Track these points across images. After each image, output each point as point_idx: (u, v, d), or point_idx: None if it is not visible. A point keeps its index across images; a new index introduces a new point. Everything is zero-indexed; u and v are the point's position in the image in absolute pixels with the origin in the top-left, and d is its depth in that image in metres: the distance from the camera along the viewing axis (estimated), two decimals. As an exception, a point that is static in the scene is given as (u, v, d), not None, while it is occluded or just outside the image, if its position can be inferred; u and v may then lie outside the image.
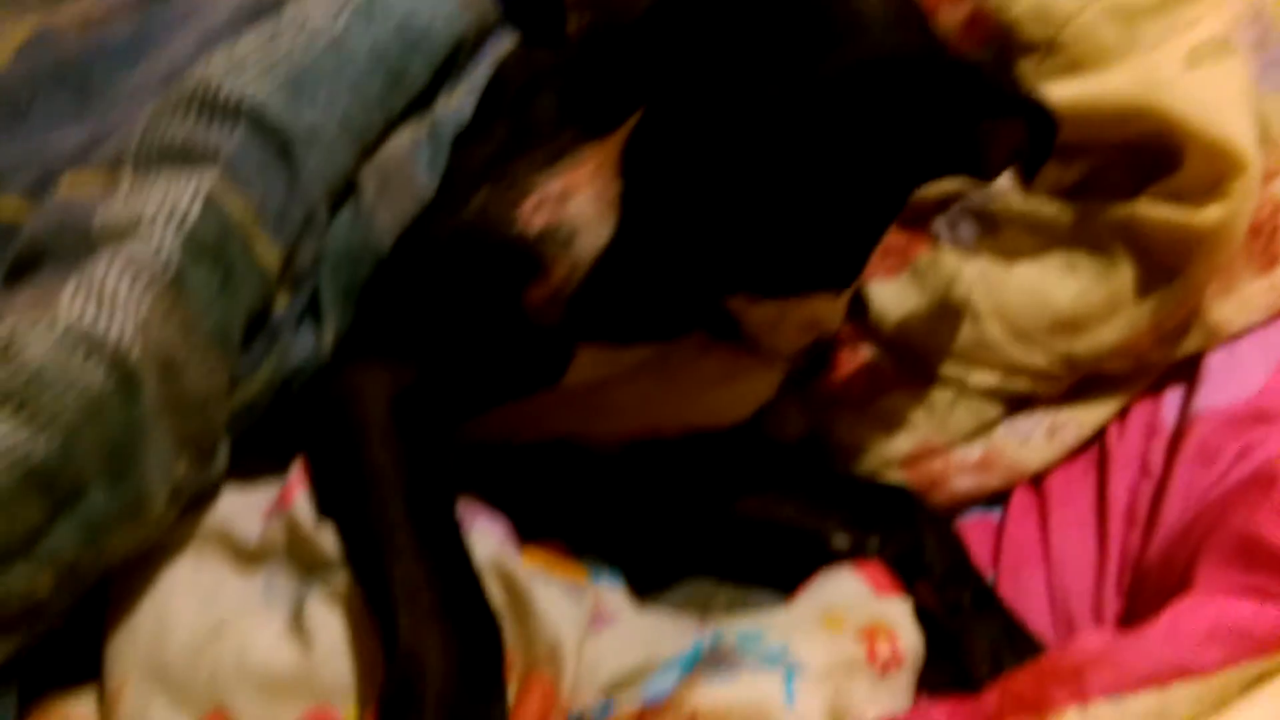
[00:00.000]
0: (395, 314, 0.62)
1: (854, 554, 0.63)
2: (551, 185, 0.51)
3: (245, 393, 0.59)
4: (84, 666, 0.61)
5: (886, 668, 0.56)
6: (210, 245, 0.55)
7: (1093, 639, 0.46)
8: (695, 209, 0.51)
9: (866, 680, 0.55)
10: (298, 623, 0.56)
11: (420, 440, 0.59)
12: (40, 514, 0.49)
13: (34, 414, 0.48)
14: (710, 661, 0.52)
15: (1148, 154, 0.64)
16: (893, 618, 0.59)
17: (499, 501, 0.63)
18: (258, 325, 0.59)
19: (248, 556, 0.59)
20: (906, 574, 0.62)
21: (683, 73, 0.50)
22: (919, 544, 0.62)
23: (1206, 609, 0.46)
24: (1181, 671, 0.44)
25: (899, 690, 0.57)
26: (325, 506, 0.58)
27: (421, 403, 0.60)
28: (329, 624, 0.56)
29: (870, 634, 0.57)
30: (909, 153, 0.54)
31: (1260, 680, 0.45)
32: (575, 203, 0.51)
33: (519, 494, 0.65)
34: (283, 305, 0.61)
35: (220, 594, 0.58)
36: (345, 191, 0.64)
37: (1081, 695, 0.44)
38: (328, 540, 0.57)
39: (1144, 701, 0.43)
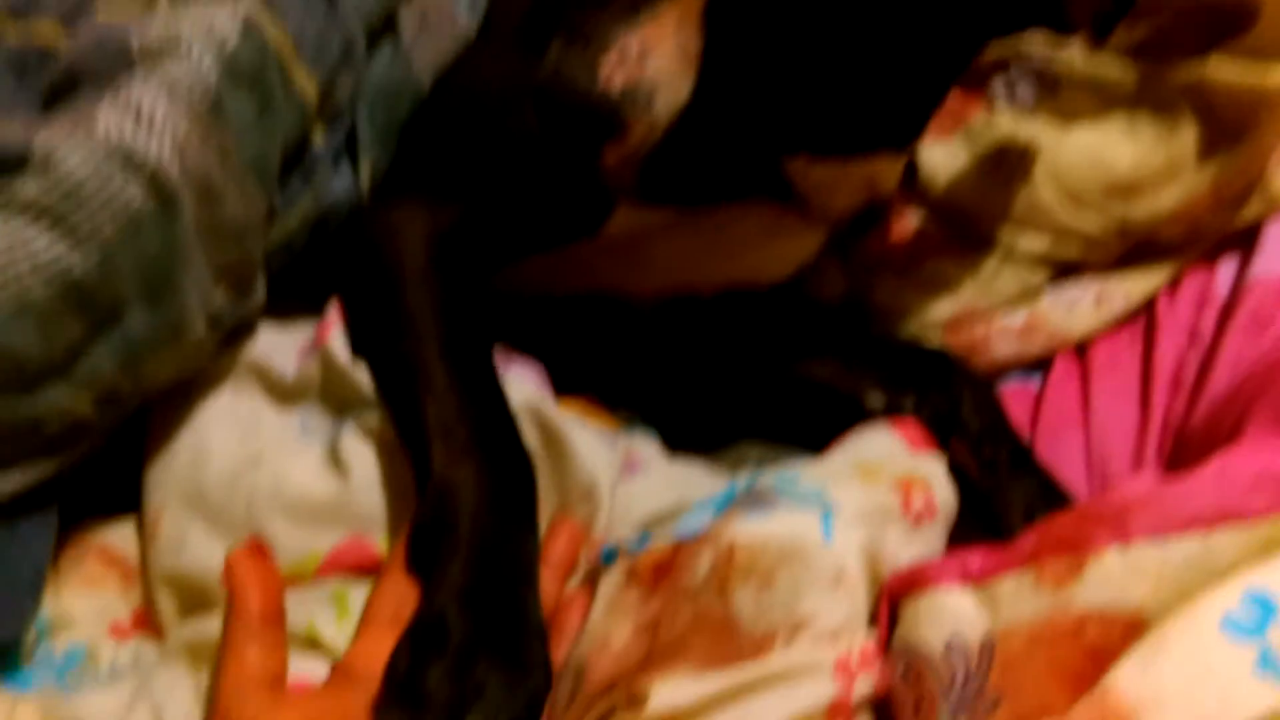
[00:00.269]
0: (437, 155, 0.61)
1: (889, 413, 0.63)
2: (631, 41, 0.49)
3: (282, 228, 0.59)
4: (123, 501, 0.62)
5: (920, 519, 0.56)
6: (249, 71, 0.54)
7: (1137, 483, 0.46)
8: (775, 61, 0.50)
9: (900, 529, 0.55)
10: (333, 456, 0.57)
11: (457, 282, 0.58)
12: (79, 332, 0.49)
13: (73, 228, 0.48)
14: (746, 501, 0.52)
15: (1221, 11, 0.61)
16: (927, 472, 0.59)
17: (534, 354, 0.63)
18: (295, 159, 0.59)
19: (284, 392, 0.60)
20: (942, 433, 0.61)
21: None
22: (956, 403, 0.62)
23: (1254, 458, 0.45)
24: (1227, 516, 0.43)
25: (932, 541, 0.56)
26: (359, 345, 0.58)
27: (460, 245, 0.60)
28: (363, 458, 0.56)
29: (905, 485, 0.56)
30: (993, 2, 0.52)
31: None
32: (655, 59, 0.48)
33: (554, 347, 0.65)
34: (320, 140, 0.60)
35: (258, 426, 0.59)
36: (384, 29, 0.63)
37: (1123, 535, 0.43)
38: (362, 378, 0.57)
39: (1187, 544, 0.43)
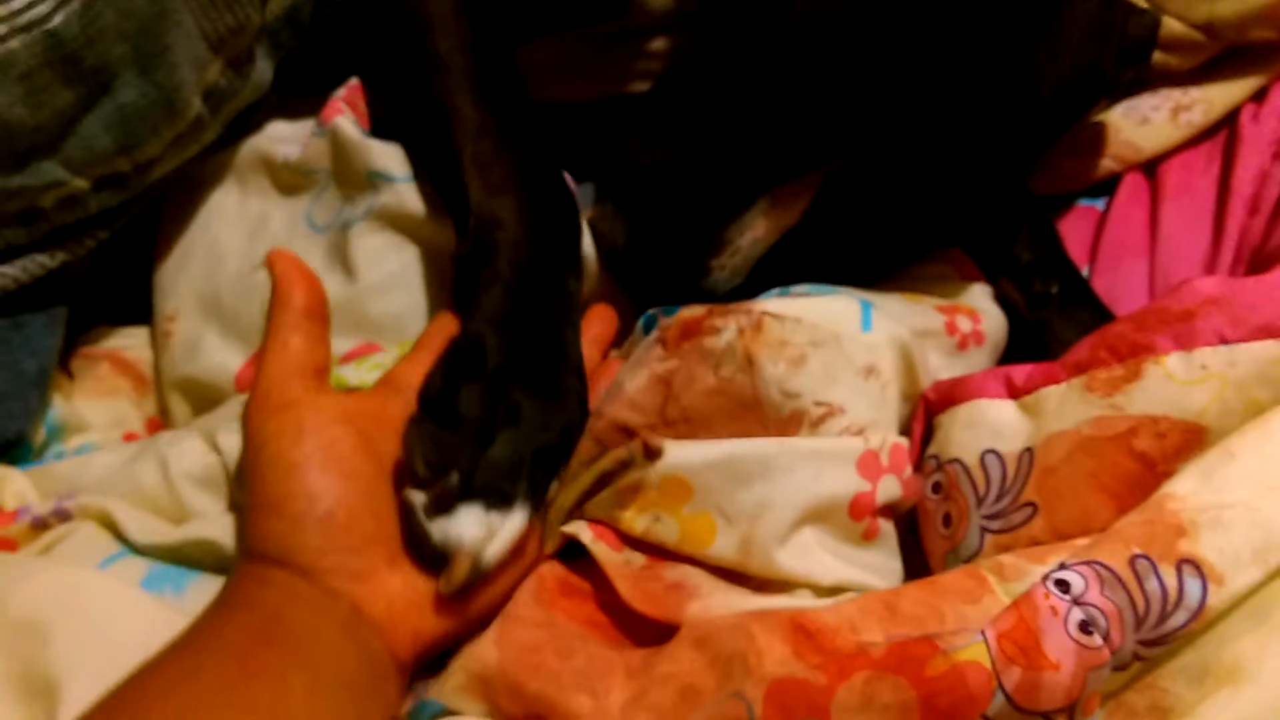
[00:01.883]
0: None
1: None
2: None
3: None
4: (136, 311, 0.61)
5: (965, 343, 0.52)
6: None
7: (1206, 283, 0.41)
8: None
9: (943, 349, 0.51)
10: (342, 254, 0.54)
11: (486, 29, 0.54)
12: (69, 99, 0.46)
13: (51, -16, 0.44)
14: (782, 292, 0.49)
15: None
16: (974, 300, 0.55)
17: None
18: None
19: (291, 178, 0.57)
20: (995, 265, 0.57)
21: None
22: (1009, 235, 0.57)
23: (1345, 260, 0.40)
24: (1307, 322, 0.39)
25: (978, 366, 0.53)
26: (386, 99, 0.56)
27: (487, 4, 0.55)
28: (373, 258, 0.53)
29: (951, 310, 0.53)
30: None
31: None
32: None
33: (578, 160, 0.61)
34: None
35: (267, 223, 0.56)
36: None
37: (1188, 340, 0.39)
38: (376, 150, 0.54)
39: (1259, 350, 0.39)
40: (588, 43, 0.59)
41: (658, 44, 0.58)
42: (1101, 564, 0.34)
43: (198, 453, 0.48)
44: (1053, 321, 0.55)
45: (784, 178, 0.49)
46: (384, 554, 0.40)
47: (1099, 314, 0.54)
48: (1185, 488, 0.36)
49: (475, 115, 0.50)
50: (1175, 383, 0.39)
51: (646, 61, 0.59)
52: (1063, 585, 0.34)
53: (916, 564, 0.45)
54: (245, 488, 0.41)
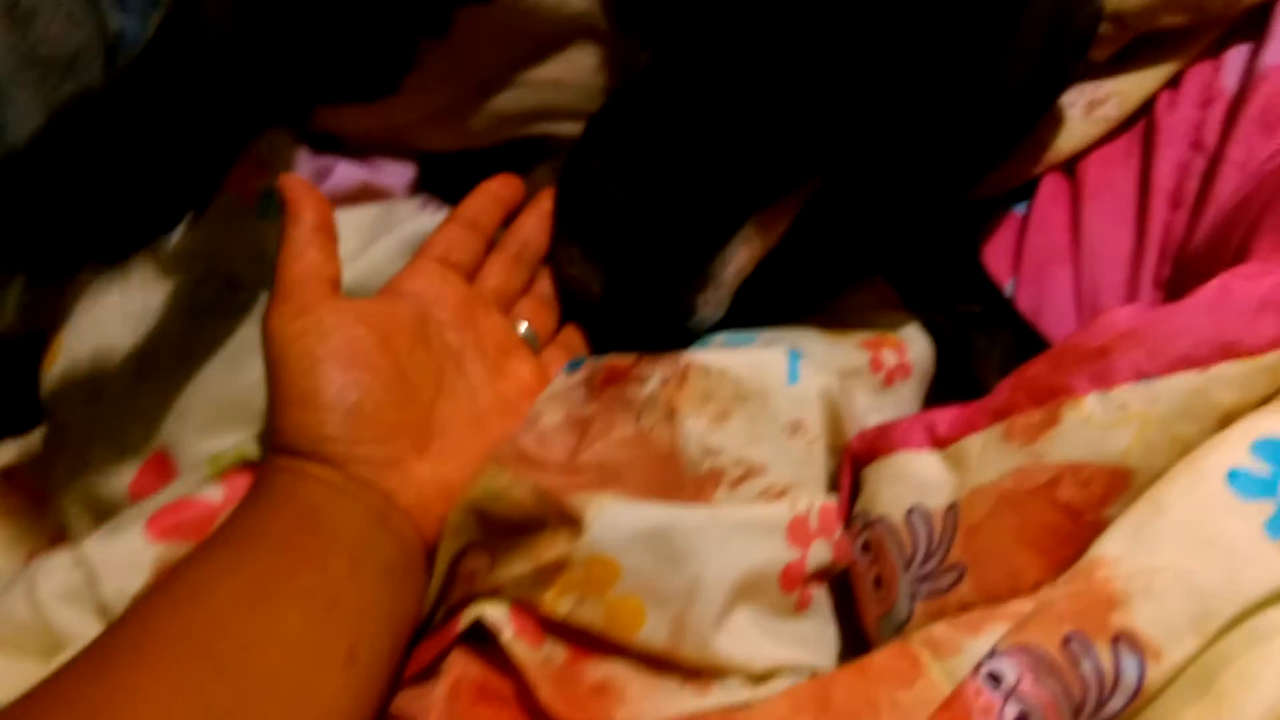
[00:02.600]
0: None
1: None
2: None
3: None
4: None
5: (892, 378, 0.51)
6: None
7: (1120, 315, 0.39)
8: None
9: (869, 387, 0.49)
10: (231, 340, 0.51)
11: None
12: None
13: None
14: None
15: None
16: (898, 329, 0.53)
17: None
18: None
19: (175, 265, 0.54)
20: (915, 286, 0.55)
21: None
22: (927, 257, 0.55)
23: (1262, 278, 0.38)
24: (1227, 349, 0.37)
25: (905, 400, 0.51)
26: None
27: None
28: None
29: (874, 344, 0.51)
30: None
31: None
32: None
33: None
34: None
35: (150, 316, 0.53)
36: None
37: (1105, 379, 0.37)
38: (263, 230, 0.51)
39: (1179, 383, 0.37)
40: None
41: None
42: (1034, 649, 0.32)
43: (64, 569, 0.45)
44: (977, 343, 0.53)
45: (767, 200, 0.46)
46: (410, 444, 0.42)
47: (1021, 333, 0.53)
48: (1114, 549, 0.34)
49: None
50: (1094, 426, 0.37)
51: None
52: (995, 678, 0.32)
53: (854, 625, 0.43)
54: (270, 389, 0.42)
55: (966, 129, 0.46)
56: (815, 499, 0.43)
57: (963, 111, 0.45)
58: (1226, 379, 0.37)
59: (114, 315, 0.54)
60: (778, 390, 0.44)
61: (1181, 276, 0.51)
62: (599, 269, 0.49)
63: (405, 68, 0.53)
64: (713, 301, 0.47)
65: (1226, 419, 0.37)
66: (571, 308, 0.52)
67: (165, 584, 0.36)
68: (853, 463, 0.45)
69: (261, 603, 0.35)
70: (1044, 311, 0.54)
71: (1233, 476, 0.35)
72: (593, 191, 0.50)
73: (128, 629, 0.35)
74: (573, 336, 0.52)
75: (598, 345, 0.52)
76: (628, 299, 0.48)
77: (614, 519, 0.40)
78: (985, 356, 0.52)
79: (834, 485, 0.46)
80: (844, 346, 0.50)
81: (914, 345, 0.52)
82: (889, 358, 0.51)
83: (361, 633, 0.37)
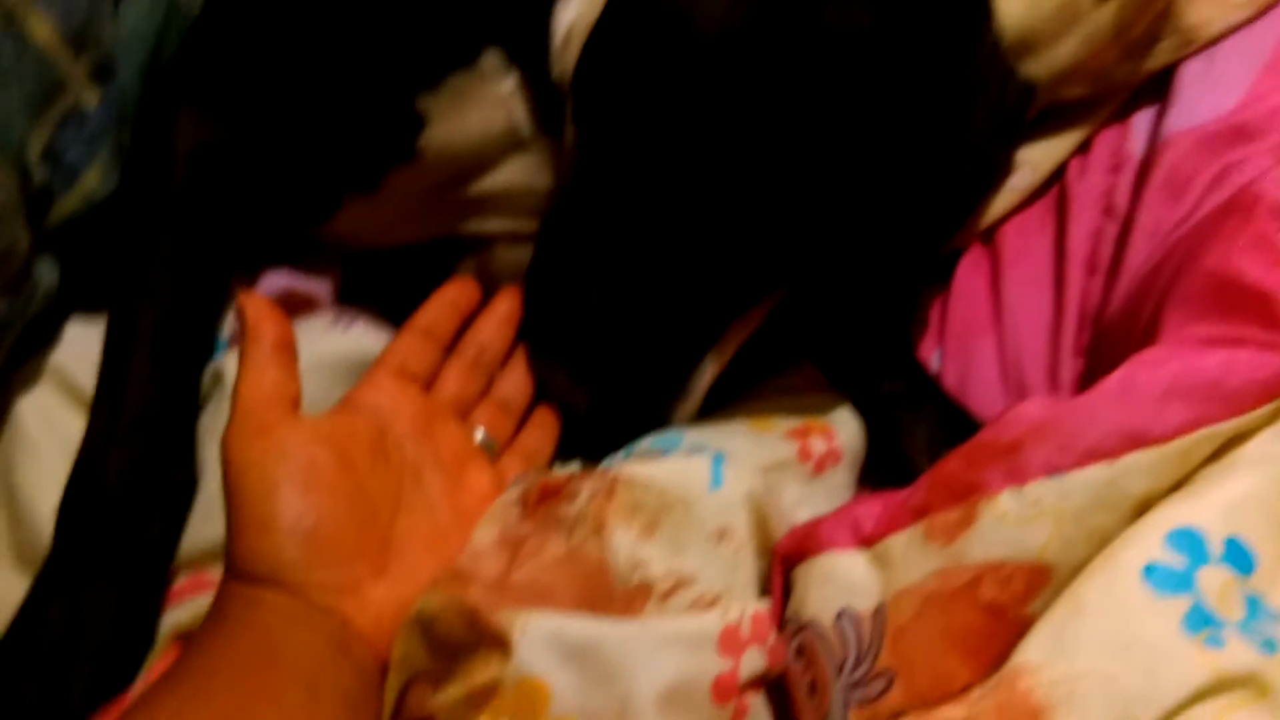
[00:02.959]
0: (215, 59, 0.53)
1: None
2: None
3: (67, 205, 0.52)
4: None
5: (822, 465, 0.50)
6: None
7: (1030, 408, 0.39)
8: None
9: (800, 478, 0.49)
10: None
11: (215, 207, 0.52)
12: None
13: None
14: (639, 453, 0.47)
15: None
16: (826, 414, 0.53)
17: (388, 309, 0.57)
18: (63, 126, 0.51)
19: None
20: (839, 367, 0.55)
21: None
22: (851, 338, 0.56)
23: (1166, 364, 0.38)
24: (1135, 439, 0.37)
25: (838, 487, 0.51)
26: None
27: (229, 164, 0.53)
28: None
29: (803, 432, 0.51)
30: None
31: (1230, 446, 0.38)
32: None
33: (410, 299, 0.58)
34: (93, 101, 0.52)
35: (70, 449, 0.52)
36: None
37: (1018, 475, 0.37)
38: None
39: (1090, 476, 0.37)
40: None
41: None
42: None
43: None
44: (903, 422, 0.53)
45: (741, 311, 0.48)
46: (368, 566, 0.41)
47: (946, 410, 0.53)
48: (1037, 655, 0.34)
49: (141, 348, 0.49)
50: (1010, 523, 0.37)
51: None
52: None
53: (794, 727, 0.43)
54: (228, 513, 0.41)
55: (926, 223, 0.47)
56: (747, 606, 0.43)
57: (925, 209, 0.46)
58: (1137, 469, 0.37)
59: (38, 454, 0.52)
60: (701, 498, 0.43)
61: (1100, 344, 0.51)
62: (585, 388, 0.50)
63: (331, 212, 0.54)
64: (689, 409, 0.49)
65: (1141, 508, 0.37)
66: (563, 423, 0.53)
67: (136, 710, 0.35)
68: (783, 563, 0.45)
69: None
70: (970, 386, 0.54)
71: (1149, 571, 0.35)
72: (566, 313, 0.51)
73: None
74: (531, 441, 0.52)
75: (577, 447, 0.52)
76: (614, 415, 0.49)
77: (541, 637, 0.40)
78: (912, 434, 0.52)
79: (766, 588, 0.45)
80: (770, 439, 0.50)
81: (843, 429, 0.52)
82: (817, 445, 0.51)
83: None
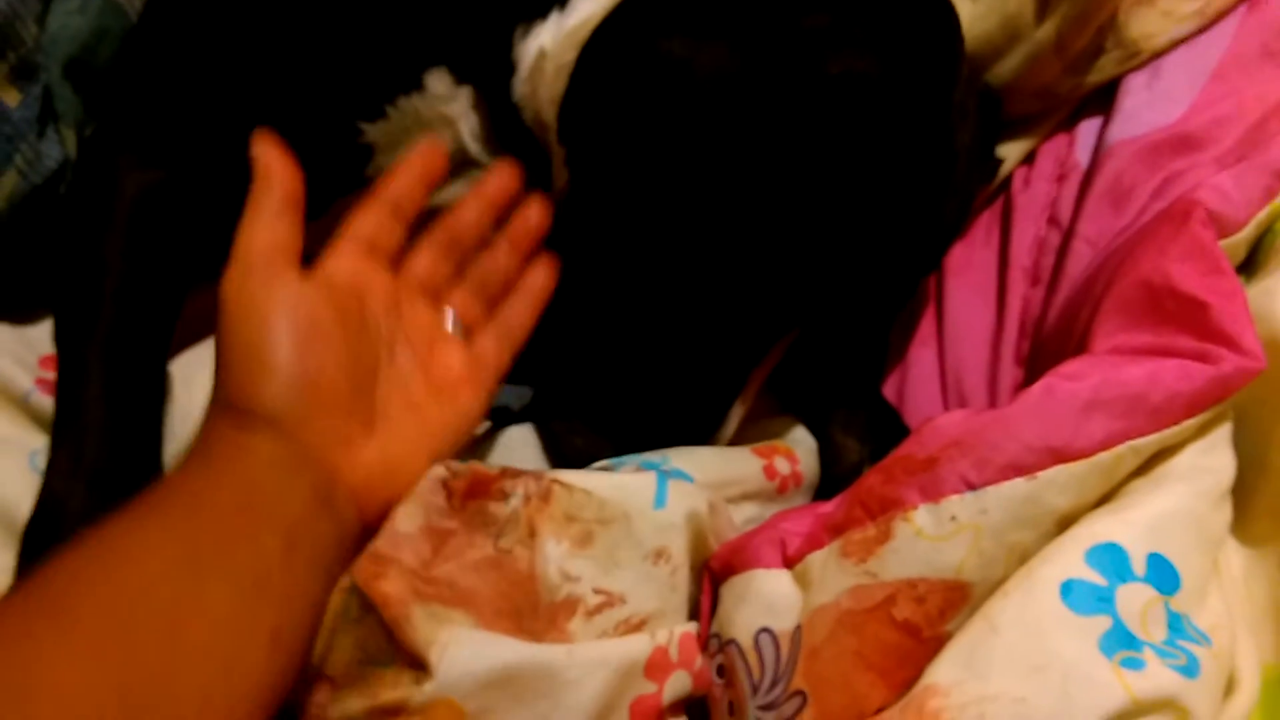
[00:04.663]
0: (152, 98, 0.52)
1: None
2: None
3: None
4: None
5: (785, 486, 0.50)
6: None
7: (948, 421, 0.38)
8: None
9: (763, 496, 0.48)
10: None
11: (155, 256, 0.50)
12: None
13: None
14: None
15: None
16: (788, 435, 0.52)
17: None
18: None
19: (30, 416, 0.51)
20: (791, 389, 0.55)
21: None
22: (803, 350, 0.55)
23: (1088, 376, 0.37)
24: (1055, 453, 0.36)
25: None
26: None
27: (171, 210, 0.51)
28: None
29: (768, 451, 0.50)
30: None
31: (1158, 460, 0.37)
32: None
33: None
34: (13, 101, 0.51)
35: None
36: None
37: (934, 491, 0.36)
38: None
39: (1008, 491, 0.36)
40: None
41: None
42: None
43: None
44: (831, 431, 0.52)
45: (761, 355, 0.48)
46: (360, 424, 0.41)
47: (875, 420, 0.52)
48: (948, 676, 0.33)
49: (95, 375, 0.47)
50: (926, 539, 0.36)
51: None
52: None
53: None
54: (220, 350, 0.40)
55: (919, 251, 0.48)
56: (676, 628, 0.41)
57: (919, 239, 0.47)
58: (1057, 483, 0.36)
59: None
60: (642, 514, 0.42)
61: (1038, 354, 0.50)
62: (605, 442, 0.49)
63: None
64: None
65: (1064, 523, 0.36)
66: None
67: (93, 544, 0.34)
68: (712, 580, 0.43)
69: (192, 577, 0.34)
70: (911, 398, 0.54)
71: (1067, 589, 0.34)
72: (585, 370, 0.50)
73: (50, 590, 0.32)
74: (512, 316, 0.49)
75: None
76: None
77: (462, 659, 0.38)
78: (840, 444, 0.52)
79: (697, 609, 0.44)
80: (736, 453, 0.49)
81: (803, 452, 0.51)
82: (782, 465, 0.50)
83: (288, 616, 0.35)
